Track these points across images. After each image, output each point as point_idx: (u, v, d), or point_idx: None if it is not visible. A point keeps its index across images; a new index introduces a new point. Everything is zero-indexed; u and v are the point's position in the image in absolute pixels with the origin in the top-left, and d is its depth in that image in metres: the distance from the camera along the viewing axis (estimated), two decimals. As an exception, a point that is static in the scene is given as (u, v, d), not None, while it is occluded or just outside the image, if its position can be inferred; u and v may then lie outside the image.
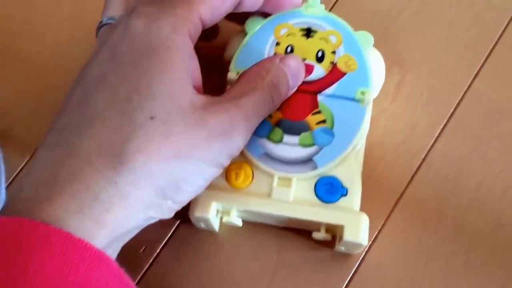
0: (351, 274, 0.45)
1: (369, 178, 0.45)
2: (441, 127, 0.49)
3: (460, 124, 0.49)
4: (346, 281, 0.44)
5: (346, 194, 0.42)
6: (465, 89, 0.50)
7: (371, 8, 0.53)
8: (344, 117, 0.43)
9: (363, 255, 0.45)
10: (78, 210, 0.31)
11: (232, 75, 0.44)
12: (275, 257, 0.45)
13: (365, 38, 0.45)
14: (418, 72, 0.50)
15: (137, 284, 0.45)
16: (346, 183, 0.42)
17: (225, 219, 0.42)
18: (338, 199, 0.42)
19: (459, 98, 0.49)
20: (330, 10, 0.53)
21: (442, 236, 0.45)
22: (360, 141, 0.43)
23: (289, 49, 0.45)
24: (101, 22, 0.42)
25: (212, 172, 0.36)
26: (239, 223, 0.44)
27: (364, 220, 0.41)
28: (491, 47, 0.51)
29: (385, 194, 0.46)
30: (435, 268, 0.45)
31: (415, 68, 0.50)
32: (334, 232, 0.43)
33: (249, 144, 0.41)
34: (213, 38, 0.48)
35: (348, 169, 0.43)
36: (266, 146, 0.43)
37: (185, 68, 0.34)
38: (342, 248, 0.44)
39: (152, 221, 0.35)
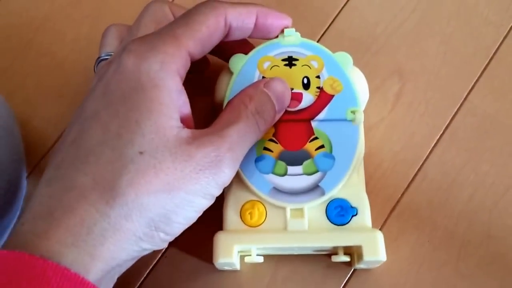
0: (344, 282, 0.46)
1: (366, 185, 0.46)
2: (437, 138, 0.50)
3: (455, 135, 0.50)
4: None
5: (356, 214, 0.43)
6: (461, 102, 0.51)
7: (373, 19, 0.54)
8: (340, 139, 0.44)
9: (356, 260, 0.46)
10: (74, 243, 0.32)
11: None
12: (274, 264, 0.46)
13: (344, 59, 0.46)
14: (417, 83, 0.51)
15: (144, 279, 0.46)
16: (354, 203, 0.43)
17: (247, 259, 0.43)
18: (350, 219, 0.43)
19: (455, 110, 0.51)
20: (332, 22, 0.54)
21: (434, 245, 0.47)
22: (359, 159, 0.44)
23: None
24: (99, 57, 0.43)
25: (202, 203, 0.37)
26: (261, 260, 0.44)
27: (380, 237, 0.42)
28: (487, 61, 0.53)
29: (382, 201, 0.48)
30: (426, 275, 0.46)
31: (414, 79, 0.52)
32: (352, 252, 0.44)
33: (257, 182, 0.43)
34: (204, 69, 0.50)
35: (353, 188, 0.44)
36: (273, 181, 0.43)
37: (172, 104, 0.36)
38: (362, 266, 0.45)
39: (145, 252, 0.36)
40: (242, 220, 0.43)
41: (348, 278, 0.46)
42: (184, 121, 0.37)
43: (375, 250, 0.42)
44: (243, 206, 0.43)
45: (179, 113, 0.36)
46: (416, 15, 0.54)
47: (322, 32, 0.53)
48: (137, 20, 0.42)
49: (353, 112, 0.44)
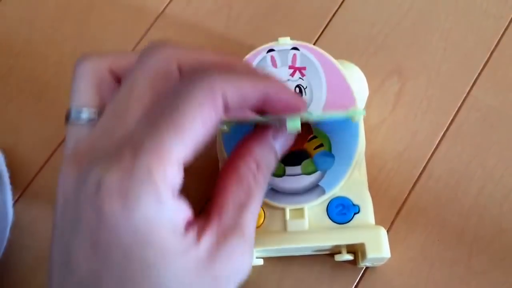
0: (355, 283, 0.45)
1: (371, 187, 0.45)
2: (441, 135, 0.49)
3: (459, 131, 0.49)
4: (351, 290, 0.45)
5: (359, 211, 0.42)
6: (463, 97, 0.50)
7: (369, 18, 0.53)
8: (340, 137, 0.43)
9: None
10: None
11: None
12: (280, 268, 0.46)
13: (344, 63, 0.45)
14: (417, 81, 0.51)
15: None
16: (356, 200, 0.42)
17: None
18: (352, 217, 0.42)
19: (458, 105, 0.50)
20: (329, 22, 0.54)
21: (444, 243, 0.46)
22: (360, 156, 0.44)
23: None
24: (69, 109, 0.34)
25: None
26: (261, 262, 0.44)
27: (383, 233, 0.42)
28: (488, 54, 0.52)
29: (387, 203, 0.47)
30: (438, 274, 0.45)
31: (414, 77, 0.51)
32: (355, 251, 0.44)
33: None
34: None
35: (355, 185, 0.43)
36: (270, 182, 0.42)
37: (182, 244, 0.29)
38: (366, 264, 0.44)
39: None
40: None
41: (358, 280, 0.45)
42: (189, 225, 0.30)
43: (378, 247, 0.41)
44: None
45: (192, 244, 0.30)
46: (413, 13, 0.53)
47: (317, 35, 0.53)
48: (74, 84, 0.34)
49: (353, 111, 0.43)
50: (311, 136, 0.43)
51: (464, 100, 0.50)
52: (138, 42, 0.54)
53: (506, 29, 0.53)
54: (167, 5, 0.55)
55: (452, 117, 0.50)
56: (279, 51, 0.45)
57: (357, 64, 0.48)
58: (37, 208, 0.49)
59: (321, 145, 0.43)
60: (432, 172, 0.48)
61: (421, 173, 0.48)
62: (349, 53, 0.51)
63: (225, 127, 0.43)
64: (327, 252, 0.45)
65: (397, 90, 0.51)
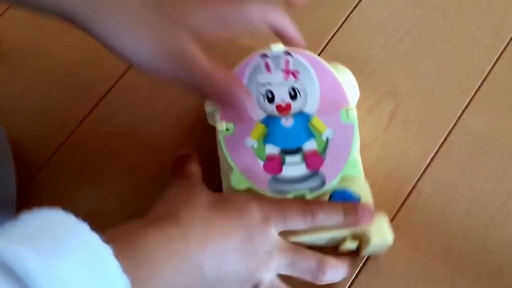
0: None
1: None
2: (431, 156, 0.51)
3: (449, 153, 0.51)
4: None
5: (359, 201, 0.44)
6: (455, 121, 0.52)
7: (367, 40, 0.55)
8: (336, 137, 0.45)
9: (352, 278, 0.46)
10: None
11: (221, 125, 0.45)
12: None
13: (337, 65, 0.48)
14: (411, 103, 0.53)
15: None
16: (356, 191, 0.45)
17: None
18: None
19: (449, 129, 0.52)
20: (328, 42, 0.56)
21: (430, 260, 0.47)
22: (356, 151, 0.46)
23: (269, 95, 0.46)
24: None
25: None
26: None
27: (385, 220, 0.44)
28: (480, 81, 0.54)
29: (377, 218, 0.48)
30: (422, 291, 0.46)
31: (408, 99, 0.53)
32: (359, 240, 0.45)
33: (255, 174, 0.44)
34: None
35: (354, 178, 0.45)
36: (271, 172, 0.45)
37: None
38: (369, 252, 0.46)
39: None
40: None
41: (345, 293, 0.46)
42: None
43: (382, 233, 0.43)
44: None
45: None
46: (409, 38, 0.55)
47: (317, 54, 0.55)
48: None
49: (347, 111, 0.46)
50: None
51: (455, 124, 0.52)
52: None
53: (498, 58, 0.55)
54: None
55: (442, 140, 0.51)
56: (272, 57, 0.47)
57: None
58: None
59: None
60: (421, 191, 0.49)
61: (410, 192, 0.49)
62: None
63: (225, 128, 0.45)
64: (328, 245, 0.46)
65: (391, 111, 0.52)
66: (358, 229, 0.43)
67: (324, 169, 0.44)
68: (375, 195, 0.49)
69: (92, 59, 0.54)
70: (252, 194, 0.43)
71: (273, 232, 0.41)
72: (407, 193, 0.49)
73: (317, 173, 0.44)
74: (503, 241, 0.47)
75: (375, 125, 0.51)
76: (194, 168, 0.46)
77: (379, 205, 0.48)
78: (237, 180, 0.44)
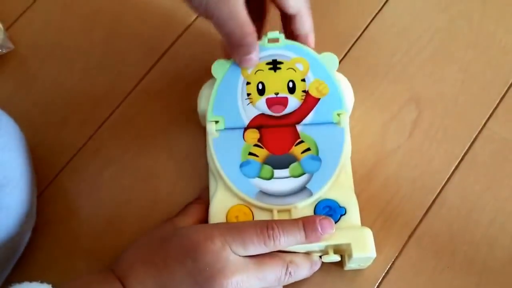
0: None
1: (384, 211, 0.46)
2: (456, 164, 0.50)
3: (474, 162, 0.50)
4: (359, 312, 0.45)
5: (345, 213, 0.43)
6: (479, 129, 0.51)
7: (390, 47, 0.54)
8: (327, 141, 0.45)
9: (375, 286, 0.46)
10: None
11: (211, 126, 0.45)
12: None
13: (330, 60, 0.47)
14: (434, 110, 0.52)
15: None
16: (342, 203, 0.43)
17: None
18: (339, 219, 0.43)
19: (474, 137, 0.51)
20: (350, 48, 0.55)
21: (454, 271, 0.46)
22: (346, 160, 0.45)
23: (260, 86, 0.46)
24: None
25: None
26: None
27: (368, 233, 0.42)
28: (506, 89, 0.53)
29: (399, 227, 0.48)
30: (446, 302, 0.46)
31: (432, 106, 0.52)
32: (342, 252, 0.44)
33: (243, 187, 0.44)
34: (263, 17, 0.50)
35: (341, 188, 0.44)
36: (259, 184, 0.44)
37: None
38: (353, 266, 0.44)
39: None
40: None
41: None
42: None
43: (364, 246, 0.42)
44: (229, 211, 0.43)
45: None
46: (433, 44, 0.55)
47: (339, 60, 0.54)
48: None
49: (339, 115, 0.45)
50: (299, 140, 0.45)
51: (479, 132, 0.51)
52: (162, 55, 0.55)
53: (524, 65, 0.54)
54: (196, 18, 0.57)
55: (467, 148, 0.50)
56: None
57: (376, 89, 0.50)
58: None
59: (308, 149, 0.45)
60: (445, 200, 0.49)
61: (434, 201, 0.49)
62: (368, 79, 0.52)
63: (214, 132, 0.45)
64: (318, 253, 0.44)
65: (414, 118, 0.51)
66: (341, 242, 0.42)
67: (312, 181, 0.44)
68: (397, 205, 0.48)
69: (109, 65, 0.54)
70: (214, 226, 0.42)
71: (231, 256, 0.39)
72: (430, 201, 0.49)
73: (305, 187, 0.44)
74: (529, 252, 0.47)
75: (398, 133, 0.51)
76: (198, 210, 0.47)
77: (402, 214, 0.48)
78: (223, 193, 0.44)
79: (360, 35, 0.55)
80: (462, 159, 0.50)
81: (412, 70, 0.54)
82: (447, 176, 0.49)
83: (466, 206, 0.48)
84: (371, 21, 0.56)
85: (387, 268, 0.46)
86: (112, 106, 0.53)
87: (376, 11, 0.56)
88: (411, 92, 0.53)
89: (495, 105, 0.52)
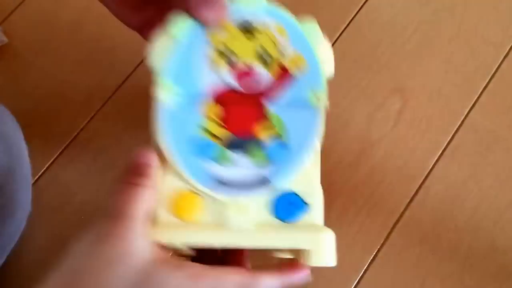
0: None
1: (369, 199, 0.47)
2: (439, 153, 0.51)
3: (457, 151, 0.51)
4: (345, 297, 0.46)
5: (308, 210, 0.36)
6: (462, 119, 0.52)
7: (375, 38, 0.55)
8: (298, 125, 0.37)
9: (360, 274, 0.46)
10: None
11: (161, 92, 0.37)
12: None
13: (312, 31, 0.38)
14: (418, 101, 0.53)
15: None
16: (306, 198, 0.36)
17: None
18: (300, 216, 0.36)
19: (457, 126, 0.52)
20: (336, 40, 0.56)
21: (439, 257, 0.47)
22: (316, 149, 0.37)
23: (227, 53, 0.37)
24: None
25: None
26: (193, 253, 0.39)
27: (329, 239, 0.35)
28: (488, 79, 0.54)
29: (384, 215, 0.48)
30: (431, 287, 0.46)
31: (416, 97, 0.53)
32: (297, 252, 0.37)
33: (195, 172, 0.36)
34: None
35: (307, 181, 0.37)
36: (214, 171, 0.36)
37: None
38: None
39: None
40: (175, 214, 0.36)
41: (353, 290, 0.46)
42: None
43: (322, 255, 0.35)
44: (176, 197, 0.36)
45: None
46: (417, 36, 0.55)
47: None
48: None
49: (316, 95, 0.36)
50: (266, 121, 0.37)
51: (462, 122, 0.52)
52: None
53: (505, 56, 0.55)
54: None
55: (450, 137, 0.51)
56: None
57: (361, 81, 0.50)
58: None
59: (275, 133, 0.36)
60: (429, 188, 0.49)
61: (418, 189, 0.49)
62: (354, 70, 0.53)
63: (165, 101, 0.37)
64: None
65: (399, 108, 0.52)
66: (298, 247, 0.35)
67: (276, 170, 0.36)
68: (382, 193, 0.49)
69: (101, 58, 0.54)
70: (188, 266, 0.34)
71: None
72: (415, 190, 0.49)
73: (266, 177, 0.36)
74: (511, 238, 0.47)
75: (382, 123, 0.51)
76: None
77: (387, 202, 0.49)
78: (171, 179, 0.36)
79: (345, 27, 0.56)
80: (445, 148, 0.51)
81: (396, 61, 0.54)
82: (431, 165, 0.50)
83: (449, 194, 0.49)
84: (356, 13, 0.57)
85: (372, 256, 0.47)
86: (104, 98, 0.54)
87: (361, 4, 0.57)
88: (395, 83, 0.53)
89: (477, 95, 0.53)
